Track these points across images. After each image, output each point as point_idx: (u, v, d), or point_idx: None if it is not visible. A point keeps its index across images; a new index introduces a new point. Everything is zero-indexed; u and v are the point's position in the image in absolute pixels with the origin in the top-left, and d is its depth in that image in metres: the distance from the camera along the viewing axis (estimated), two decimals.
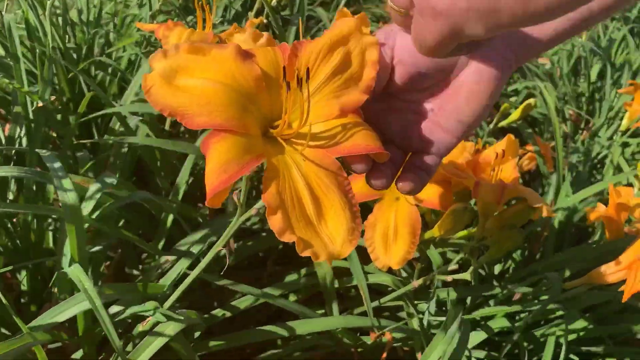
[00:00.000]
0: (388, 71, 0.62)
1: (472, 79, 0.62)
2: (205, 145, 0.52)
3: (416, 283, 1.10)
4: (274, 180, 0.52)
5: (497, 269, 1.58)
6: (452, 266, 1.04)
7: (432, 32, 0.48)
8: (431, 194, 1.06)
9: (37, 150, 1.16)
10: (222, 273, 1.27)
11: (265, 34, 0.75)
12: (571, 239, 1.60)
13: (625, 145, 2.14)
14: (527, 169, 1.61)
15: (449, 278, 1.03)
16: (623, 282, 1.10)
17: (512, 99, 1.59)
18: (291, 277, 1.31)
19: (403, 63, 0.61)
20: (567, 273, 1.37)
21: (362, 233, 1.10)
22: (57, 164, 1.04)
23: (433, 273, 1.07)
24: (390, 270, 1.28)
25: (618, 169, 1.93)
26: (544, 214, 0.96)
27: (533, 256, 1.56)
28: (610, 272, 1.13)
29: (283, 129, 0.57)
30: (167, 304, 0.93)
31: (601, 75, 2.43)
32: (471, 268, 1.01)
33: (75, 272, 0.93)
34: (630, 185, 1.77)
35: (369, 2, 2.86)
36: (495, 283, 1.48)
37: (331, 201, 0.54)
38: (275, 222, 0.51)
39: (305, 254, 0.51)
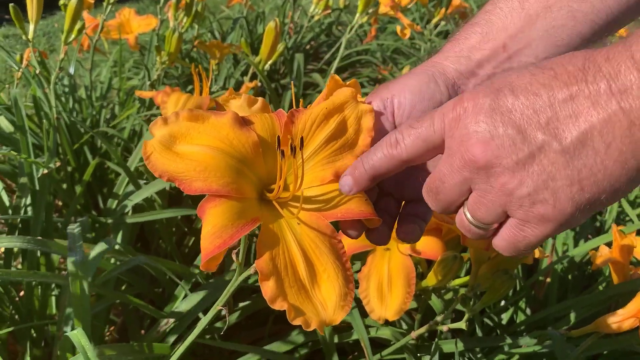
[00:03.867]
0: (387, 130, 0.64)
1: None
2: (202, 210, 0.53)
3: (414, 334, 1.09)
4: (268, 245, 0.52)
5: (505, 317, 1.55)
6: (449, 315, 1.03)
7: (538, 235, 0.47)
8: (422, 243, 1.06)
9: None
10: (222, 333, 1.27)
11: (259, 99, 0.79)
12: (575, 283, 1.57)
13: None
14: None
15: (446, 328, 1.02)
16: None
17: None
18: (293, 334, 1.30)
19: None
20: (575, 319, 1.35)
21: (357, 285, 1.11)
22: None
23: (430, 323, 1.06)
24: (391, 323, 1.27)
25: (622, 212, 1.93)
26: (536, 255, 0.96)
27: (539, 303, 1.54)
28: (617, 320, 1.10)
29: (279, 193, 0.58)
30: None
31: None
32: (466, 316, 1.00)
33: (76, 335, 0.94)
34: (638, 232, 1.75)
35: (366, 66, 2.96)
36: (500, 332, 1.46)
37: (324, 265, 0.54)
38: (267, 289, 0.50)
39: (297, 322, 0.50)
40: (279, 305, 0.50)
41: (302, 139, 0.58)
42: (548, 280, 1.53)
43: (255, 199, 0.58)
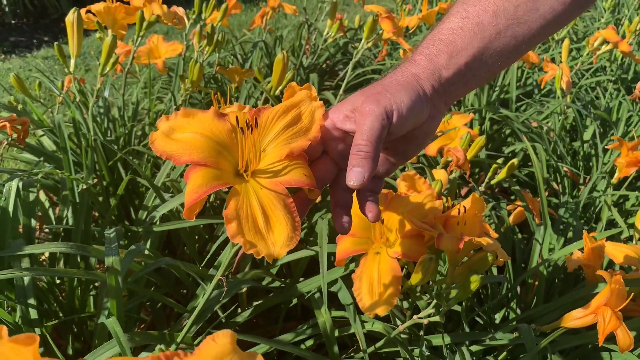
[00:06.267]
0: (384, 137, 0.77)
1: (424, 132, 0.82)
2: (186, 175, 0.72)
3: (401, 327, 1.25)
4: (233, 199, 0.71)
5: (499, 317, 1.69)
6: (429, 310, 1.19)
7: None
8: (407, 248, 1.22)
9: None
10: (237, 328, 1.45)
11: (247, 106, 0.97)
12: (562, 285, 1.70)
13: (625, 198, 2.25)
14: (514, 223, 1.75)
15: (426, 321, 1.17)
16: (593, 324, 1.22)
17: (500, 160, 1.77)
18: (299, 329, 1.47)
19: (390, 134, 0.78)
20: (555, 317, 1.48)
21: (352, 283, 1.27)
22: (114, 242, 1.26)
23: (411, 318, 1.21)
24: (385, 319, 1.43)
25: (615, 222, 2.04)
26: (501, 258, 1.11)
27: (527, 304, 1.68)
28: (579, 316, 1.24)
29: (244, 166, 0.77)
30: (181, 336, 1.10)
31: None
32: (441, 311, 1.16)
33: (110, 322, 1.13)
34: (630, 238, 1.87)
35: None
36: (492, 329, 1.60)
37: (277, 217, 0.72)
38: (230, 229, 0.68)
39: (250, 252, 0.67)
40: (238, 240, 0.67)
41: (256, 119, 0.78)
42: (536, 283, 1.67)
43: (231, 172, 0.76)
